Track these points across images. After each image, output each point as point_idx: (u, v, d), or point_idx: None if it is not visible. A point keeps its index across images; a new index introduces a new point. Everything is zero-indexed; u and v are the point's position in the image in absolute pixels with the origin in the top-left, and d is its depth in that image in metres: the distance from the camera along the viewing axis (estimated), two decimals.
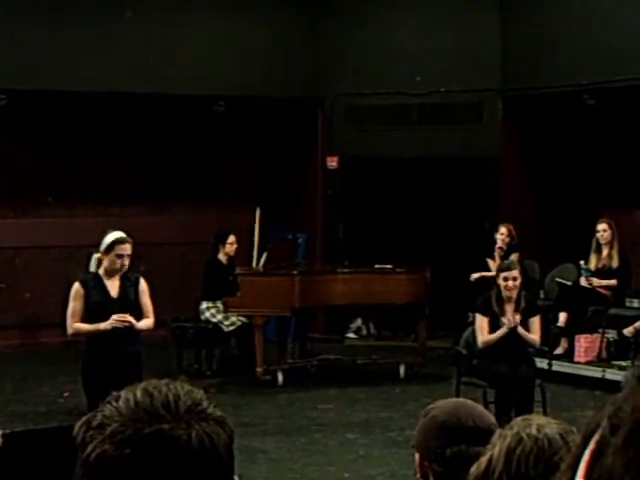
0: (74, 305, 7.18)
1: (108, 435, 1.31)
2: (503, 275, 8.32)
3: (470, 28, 13.12)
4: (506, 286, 8.24)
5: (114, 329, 7.07)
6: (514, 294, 8.27)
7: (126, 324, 7.08)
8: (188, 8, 12.66)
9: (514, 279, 8.24)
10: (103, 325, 7.07)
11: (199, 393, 1.39)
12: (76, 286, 7.21)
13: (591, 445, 0.88)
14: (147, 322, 7.26)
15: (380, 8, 13.22)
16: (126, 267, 7.19)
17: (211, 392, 9.70)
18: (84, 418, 1.36)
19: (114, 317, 7.07)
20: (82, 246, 11.52)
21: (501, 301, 8.30)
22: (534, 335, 8.34)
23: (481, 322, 8.34)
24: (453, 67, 13.04)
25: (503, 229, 11.57)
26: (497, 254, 11.49)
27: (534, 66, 12.51)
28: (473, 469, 1.98)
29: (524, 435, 1.96)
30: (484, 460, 1.96)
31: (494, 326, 8.28)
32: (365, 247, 12.94)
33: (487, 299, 8.41)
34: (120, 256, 7.13)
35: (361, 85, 13.20)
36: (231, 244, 11.50)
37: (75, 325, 7.18)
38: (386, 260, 11.29)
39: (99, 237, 7.40)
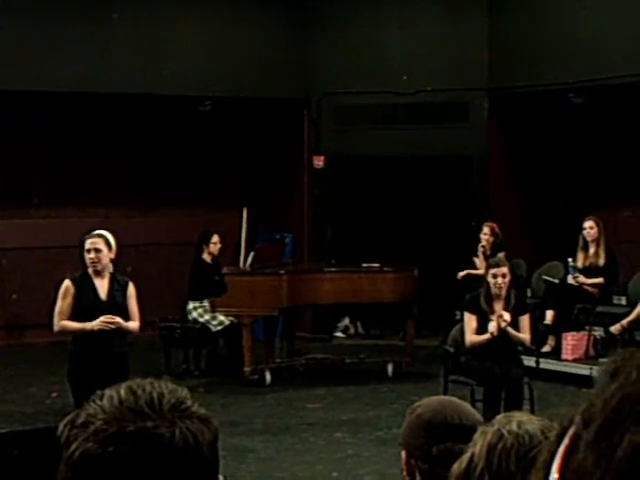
0: (62, 303, 7.14)
1: (92, 433, 1.31)
2: (492, 272, 8.29)
3: (456, 27, 13.14)
4: (495, 283, 8.22)
5: (100, 329, 7.06)
6: (503, 291, 8.26)
7: (113, 326, 7.05)
8: (174, 9, 12.65)
9: (503, 276, 8.22)
10: (90, 325, 7.05)
11: (183, 391, 1.39)
12: (66, 283, 7.17)
13: (565, 440, 0.89)
14: (133, 324, 7.22)
15: (366, 8, 13.23)
16: (99, 262, 7.06)
17: (199, 392, 9.71)
18: (68, 417, 1.37)
19: (102, 318, 7.05)
20: (68, 247, 11.50)
21: (490, 299, 8.28)
22: (524, 333, 8.34)
23: (469, 320, 8.32)
24: (439, 66, 13.06)
25: (486, 228, 11.63)
26: (480, 252, 11.54)
27: (520, 65, 12.54)
28: (455, 467, 1.99)
29: (505, 431, 1.97)
30: (466, 458, 1.97)
31: (483, 324, 8.27)
32: (352, 246, 12.95)
33: (475, 297, 8.38)
34: (88, 250, 7.07)
35: (348, 84, 13.21)
36: (215, 244, 11.50)
37: (62, 323, 7.15)
38: (373, 259, 11.30)
39: None
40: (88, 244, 7.09)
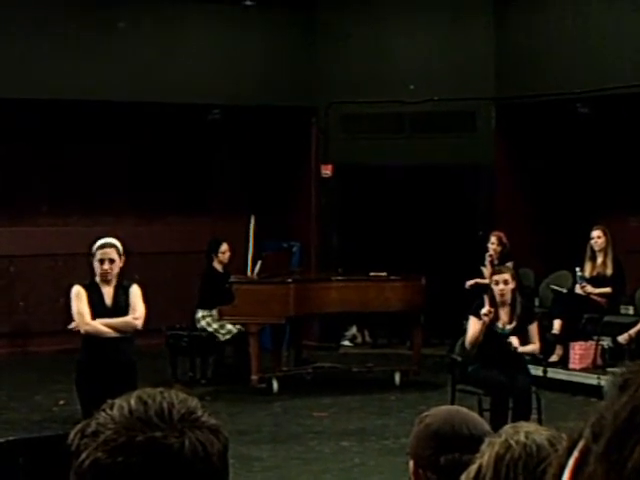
0: (81, 305, 7.06)
1: (101, 442, 1.32)
2: (494, 278, 8.40)
3: (464, 37, 13.15)
4: (497, 290, 8.27)
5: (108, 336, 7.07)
6: (506, 298, 8.29)
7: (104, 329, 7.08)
8: (181, 17, 12.68)
9: (505, 282, 8.27)
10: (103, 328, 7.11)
11: (194, 401, 1.39)
12: (77, 288, 7.16)
13: (575, 453, 0.89)
14: (126, 318, 7.11)
15: (374, 17, 13.25)
16: (111, 272, 7.06)
17: (206, 400, 9.70)
18: (79, 426, 1.37)
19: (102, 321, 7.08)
20: (76, 254, 11.53)
21: (495, 306, 8.32)
22: (534, 341, 8.36)
23: (473, 324, 8.36)
24: (447, 76, 13.07)
25: (493, 238, 11.62)
26: (487, 262, 11.53)
27: (527, 75, 12.54)
28: (463, 477, 1.98)
29: (512, 442, 1.96)
30: (473, 468, 1.96)
31: (487, 332, 8.30)
32: (360, 255, 12.95)
33: (481, 304, 8.43)
34: (101, 261, 7.04)
35: (355, 93, 13.22)
36: (224, 253, 11.51)
37: (94, 323, 7.07)
38: (381, 268, 11.29)
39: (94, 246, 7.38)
40: (101, 254, 7.06)
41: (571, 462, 0.89)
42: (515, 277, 8.59)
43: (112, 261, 7.06)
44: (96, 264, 7.06)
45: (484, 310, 8.20)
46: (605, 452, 0.84)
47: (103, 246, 7.11)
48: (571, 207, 12.95)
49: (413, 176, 13.29)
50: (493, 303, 8.32)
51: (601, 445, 0.85)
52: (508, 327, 8.32)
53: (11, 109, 12.00)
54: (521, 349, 8.22)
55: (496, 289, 8.28)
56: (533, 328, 8.40)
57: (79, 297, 7.10)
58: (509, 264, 10.67)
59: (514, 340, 8.20)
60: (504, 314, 8.33)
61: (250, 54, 12.98)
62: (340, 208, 13.67)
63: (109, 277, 7.07)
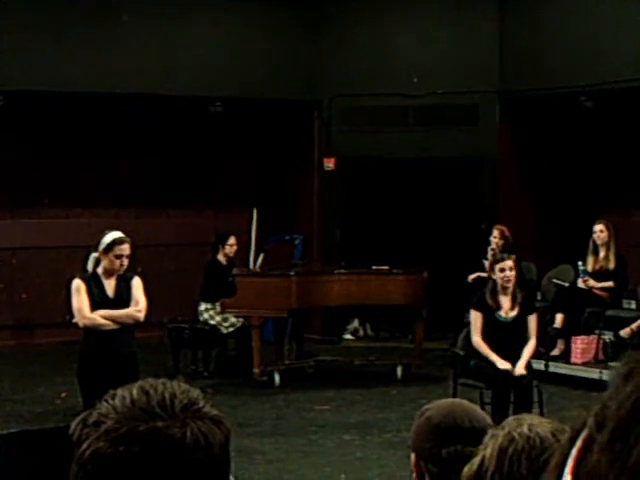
0: (81, 298, 7.12)
1: (103, 432, 1.32)
2: (499, 266, 8.38)
3: (467, 30, 13.13)
4: (503, 277, 8.28)
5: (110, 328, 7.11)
6: (510, 284, 8.31)
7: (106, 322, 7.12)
8: (185, 10, 12.67)
9: (510, 269, 8.30)
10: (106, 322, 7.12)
11: (195, 392, 1.39)
12: (77, 281, 7.20)
13: (578, 443, 0.89)
14: (128, 309, 7.19)
15: (377, 10, 13.23)
16: (125, 267, 7.18)
17: (208, 393, 9.71)
18: (81, 416, 1.37)
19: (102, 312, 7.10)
20: (78, 247, 11.52)
21: (495, 294, 8.34)
22: (532, 334, 8.37)
23: (475, 319, 8.39)
24: (450, 69, 13.05)
25: (496, 231, 11.60)
26: (490, 255, 11.52)
27: (531, 68, 12.52)
28: (466, 469, 1.98)
29: (516, 434, 1.96)
30: (476, 460, 1.96)
31: (489, 321, 8.32)
32: (362, 248, 12.95)
33: (482, 295, 8.46)
34: (119, 256, 7.11)
35: (358, 86, 13.21)
36: (231, 245, 11.52)
37: (93, 315, 7.10)
38: (383, 261, 11.29)
39: (96, 238, 7.40)
40: (119, 250, 7.13)
41: (574, 451, 0.89)
42: (516, 269, 8.61)
43: (128, 256, 7.17)
44: (111, 259, 7.10)
45: (501, 367, 8.11)
46: (609, 442, 0.84)
47: (121, 241, 7.16)
48: (574, 201, 12.94)
49: (416, 169, 13.28)
50: (494, 291, 8.35)
51: (605, 435, 0.85)
52: (511, 314, 8.34)
53: (13, 101, 11.99)
54: (524, 363, 8.20)
55: (500, 276, 8.30)
56: (533, 319, 8.42)
57: (79, 291, 7.14)
58: (512, 257, 10.67)
59: (518, 369, 8.19)
60: (507, 302, 8.35)
61: (253, 47, 12.96)
62: (343, 201, 13.66)
63: (121, 272, 7.14)
